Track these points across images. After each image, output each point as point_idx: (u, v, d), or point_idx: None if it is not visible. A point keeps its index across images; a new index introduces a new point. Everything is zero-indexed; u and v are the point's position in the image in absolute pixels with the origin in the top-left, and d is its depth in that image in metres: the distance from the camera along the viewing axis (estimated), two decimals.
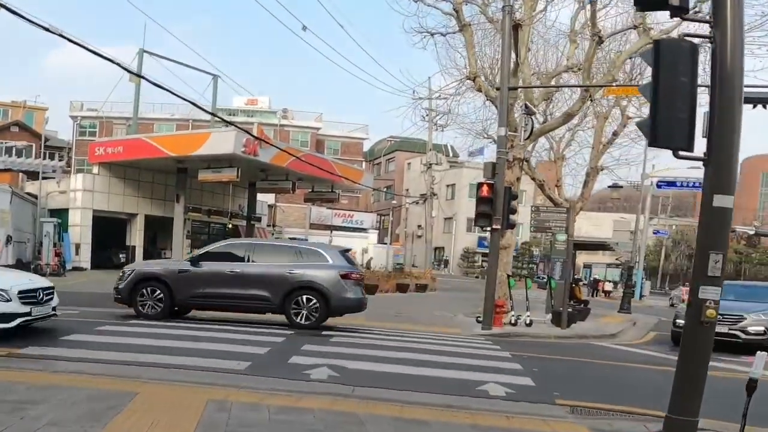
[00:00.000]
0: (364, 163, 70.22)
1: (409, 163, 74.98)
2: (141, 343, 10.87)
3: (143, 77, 23.26)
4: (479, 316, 19.26)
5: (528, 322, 18.99)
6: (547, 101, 24.69)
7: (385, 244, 54.63)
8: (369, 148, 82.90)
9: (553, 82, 21.98)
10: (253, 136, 29.78)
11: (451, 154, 66.13)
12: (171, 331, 12.54)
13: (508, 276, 19.89)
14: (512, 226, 18.02)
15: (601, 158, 31.08)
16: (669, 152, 6.37)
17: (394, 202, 68.63)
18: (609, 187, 29.39)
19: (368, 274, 30.17)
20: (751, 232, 51.92)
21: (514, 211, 17.94)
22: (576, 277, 26.50)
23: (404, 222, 73.91)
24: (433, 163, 46.78)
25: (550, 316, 20.10)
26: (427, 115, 46.20)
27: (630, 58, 19.77)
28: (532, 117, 17.77)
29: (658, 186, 32.10)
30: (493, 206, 17.06)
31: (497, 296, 20.18)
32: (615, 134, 30.49)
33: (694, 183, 31.03)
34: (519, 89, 19.03)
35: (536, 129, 18.64)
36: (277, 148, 32.38)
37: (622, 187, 31.73)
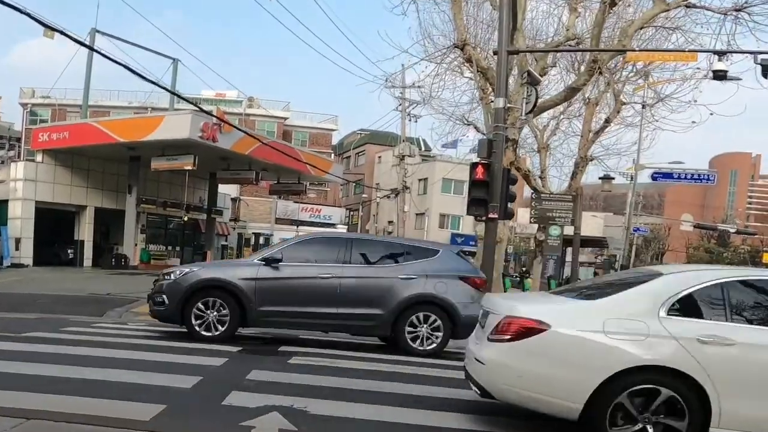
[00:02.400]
0: (333, 156, 66.97)
1: (379, 157, 71.77)
2: (21, 371, 7.60)
3: (90, 48, 19.94)
4: None
5: None
6: (543, 76, 21.73)
7: None
8: (338, 142, 79.53)
9: (549, 57, 19.00)
10: (212, 115, 26.45)
11: (423, 148, 63.12)
12: (75, 350, 9.29)
13: (504, 276, 16.85)
14: (510, 215, 15.00)
15: (591, 148, 28.43)
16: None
17: (365, 196, 65.45)
18: (600, 178, 26.58)
19: None
20: (732, 231, 49.60)
21: (513, 198, 14.95)
22: (568, 276, 23.58)
23: (374, 218, 70.78)
24: (406, 155, 43.67)
25: None
26: (400, 105, 43.25)
27: (642, 27, 16.86)
28: (536, 87, 14.77)
29: (653, 178, 29.50)
30: (490, 191, 13.99)
31: None
32: (608, 121, 27.86)
33: (691, 175, 28.46)
34: (520, 53, 16.04)
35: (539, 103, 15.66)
36: (238, 128, 29.14)
37: (614, 178, 29.01)
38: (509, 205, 14.58)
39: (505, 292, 16.71)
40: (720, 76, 13.34)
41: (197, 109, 25.75)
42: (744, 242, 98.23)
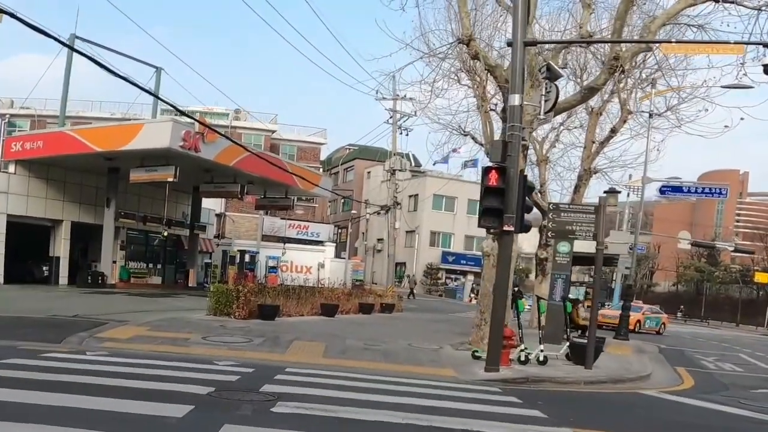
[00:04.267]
0: (321, 171, 65.05)
1: (369, 172, 69.85)
2: None
3: (69, 47, 17.95)
4: (476, 351, 14.28)
5: (542, 359, 14.07)
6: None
7: (343, 258, 49.49)
8: (326, 157, 77.53)
9: (560, 56, 17.19)
10: (194, 119, 24.47)
11: (413, 164, 61.32)
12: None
13: (516, 296, 14.86)
14: (528, 228, 13.08)
15: (596, 159, 26.66)
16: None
17: (354, 212, 63.43)
18: (605, 192, 24.76)
19: (327, 293, 25.08)
20: (731, 249, 47.93)
21: (529, 209, 13.08)
22: (574, 297, 21.62)
23: (363, 235, 68.75)
24: (397, 169, 41.84)
25: (565, 349, 15.19)
26: (391, 117, 41.51)
27: (665, 24, 15.09)
28: (556, 84, 12.96)
29: (661, 192, 27.82)
30: (505, 200, 12.09)
31: (484, 320, 15.39)
32: (613, 131, 26.02)
33: (702, 189, 26.71)
34: (538, 44, 14.21)
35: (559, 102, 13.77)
36: (220, 134, 27.06)
37: (620, 192, 27.25)
38: (525, 216, 12.70)
39: (518, 316, 14.69)
40: None
41: (179, 112, 23.65)
42: (733, 261, 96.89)
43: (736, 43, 12.16)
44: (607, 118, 27.48)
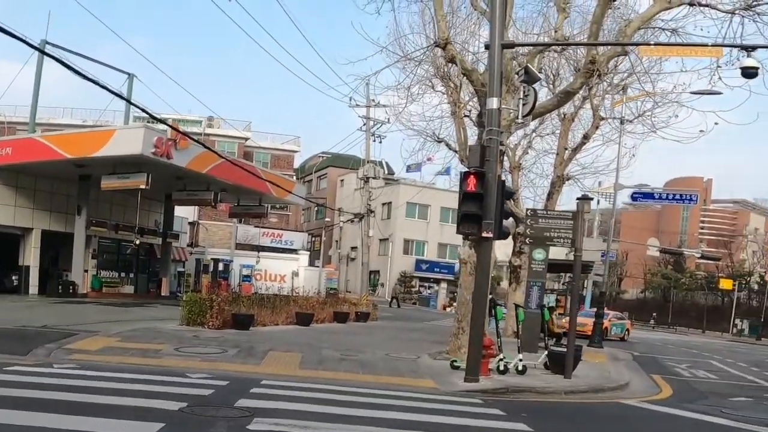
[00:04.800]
0: (294, 178, 64.51)
1: (342, 180, 69.39)
2: None
3: (39, 50, 17.33)
4: (455, 361, 13.93)
5: (521, 368, 13.74)
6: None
7: (317, 266, 48.95)
8: (300, 165, 76.95)
9: (536, 60, 16.91)
10: (167, 124, 23.88)
11: (386, 171, 60.99)
12: None
13: (495, 304, 14.53)
14: (506, 235, 12.75)
15: (569, 165, 26.55)
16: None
17: (327, 220, 62.89)
18: (578, 199, 24.53)
19: (301, 302, 24.60)
20: (698, 256, 48.20)
21: (508, 215, 12.79)
22: (550, 304, 21.36)
23: (336, 243, 68.23)
24: (370, 177, 41.44)
25: (543, 358, 14.89)
26: (364, 125, 41.15)
27: (640, 28, 14.92)
28: (534, 87, 12.66)
29: (633, 198, 27.73)
30: (483, 205, 11.75)
31: (461, 329, 15.11)
32: (586, 137, 25.97)
33: (673, 196, 26.67)
34: (515, 46, 13.95)
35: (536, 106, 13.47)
36: (192, 139, 26.50)
37: (592, 199, 27.08)
38: (504, 222, 12.39)
39: (497, 324, 14.35)
40: (751, 73, 11.42)
41: (151, 117, 23.03)
42: (698, 268, 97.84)
43: (714, 45, 11.99)
44: (580, 124, 27.46)
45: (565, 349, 14.62)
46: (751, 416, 11.24)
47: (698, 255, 48.53)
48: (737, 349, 36.43)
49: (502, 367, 13.35)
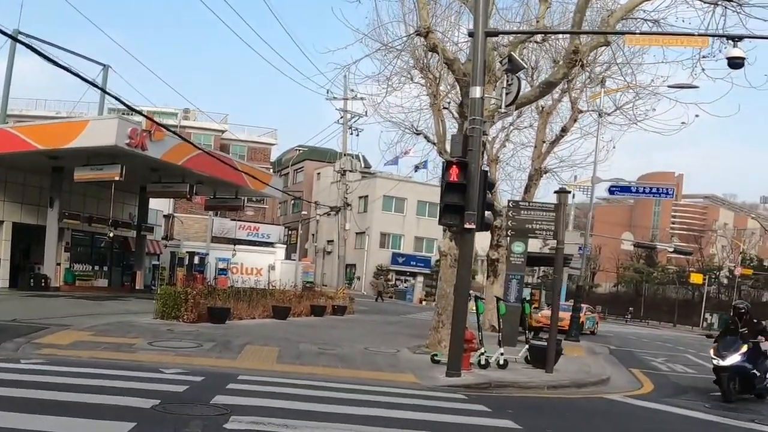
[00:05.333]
0: (271, 171, 63.88)
1: (318, 173, 68.82)
2: None
3: (11, 37, 16.68)
4: (435, 355, 13.60)
5: (502, 362, 13.44)
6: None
7: (294, 260, 48.41)
8: (276, 158, 76.18)
9: (517, 51, 16.57)
10: (143, 114, 23.26)
11: (363, 165, 60.55)
12: None
13: (477, 297, 14.21)
14: (488, 226, 12.44)
15: (547, 159, 26.34)
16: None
17: (304, 213, 62.32)
18: (555, 192, 24.30)
19: (278, 295, 24.15)
20: (671, 250, 48.40)
21: (490, 206, 12.49)
22: (527, 298, 21.04)
23: (313, 237, 67.71)
24: (347, 170, 41.02)
25: (524, 352, 14.62)
26: (341, 118, 40.73)
27: (623, 18, 14.66)
28: (517, 75, 12.34)
29: (610, 192, 27.61)
30: (466, 196, 11.41)
31: (441, 322, 14.83)
32: (564, 130, 25.74)
33: (650, 189, 26.55)
34: (500, 34, 13.62)
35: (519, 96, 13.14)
36: (169, 129, 25.91)
37: (570, 192, 26.84)
38: (486, 213, 12.07)
39: (478, 318, 13.99)
40: (737, 63, 11.19)
41: (126, 107, 22.35)
42: (669, 262, 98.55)
43: (700, 35, 11.75)
44: (558, 117, 27.24)
45: (545, 343, 14.40)
46: (731, 411, 11.05)
47: (671, 249, 48.57)
48: (708, 343, 36.46)
49: (483, 362, 13.04)
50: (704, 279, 59.90)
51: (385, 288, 52.39)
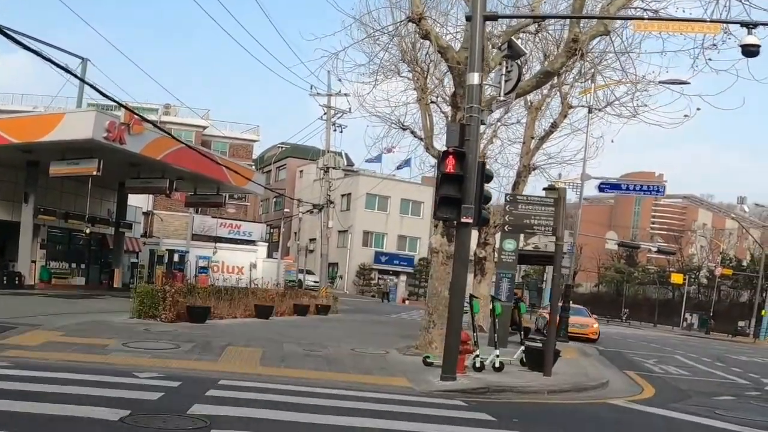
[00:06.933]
0: (254, 168, 62.88)
1: (301, 171, 67.85)
2: None
3: None
4: (427, 357, 12.83)
5: (497, 365, 12.70)
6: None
7: (276, 258, 47.49)
8: (259, 155, 75.07)
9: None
10: (122, 105, 22.25)
11: (346, 162, 59.75)
12: None
13: (471, 296, 13.44)
14: (486, 221, 11.70)
15: (535, 155, 25.67)
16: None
17: (287, 210, 61.35)
18: (544, 189, 23.68)
19: (261, 294, 23.31)
20: (654, 250, 48.06)
21: (488, 200, 11.74)
22: (517, 297, 20.36)
23: (296, 235, 66.77)
24: (330, 167, 40.15)
25: (519, 354, 13.90)
26: (325, 114, 39.85)
27: (624, 6, 13.96)
28: (518, 62, 11.62)
29: (600, 189, 27.05)
30: (463, 188, 10.67)
31: (432, 322, 14.10)
32: (554, 125, 25.07)
33: (640, 187, 25.99)
34: (499, 18, 12.91)
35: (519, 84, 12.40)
36: (148, 121, 24.96)
37: (557, 189, 26.13)
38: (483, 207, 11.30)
39: (473, 318, 13.23)
40: (751, 51, 10.53)
41: (105, 98, 21.36)
42: (650, 262, 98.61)
43: (712, 21, 11.07)
44: (547, 112, 26.57)
45: (541, 345, 13.69)
46: (748, 418, 10.36)
47: (655, 249, 48.26)
48: (692, 343, 36.12)
49: (478, 364, 12.27)
50: (684, 279, 59.68)
51: (386, 288, 51.98)
